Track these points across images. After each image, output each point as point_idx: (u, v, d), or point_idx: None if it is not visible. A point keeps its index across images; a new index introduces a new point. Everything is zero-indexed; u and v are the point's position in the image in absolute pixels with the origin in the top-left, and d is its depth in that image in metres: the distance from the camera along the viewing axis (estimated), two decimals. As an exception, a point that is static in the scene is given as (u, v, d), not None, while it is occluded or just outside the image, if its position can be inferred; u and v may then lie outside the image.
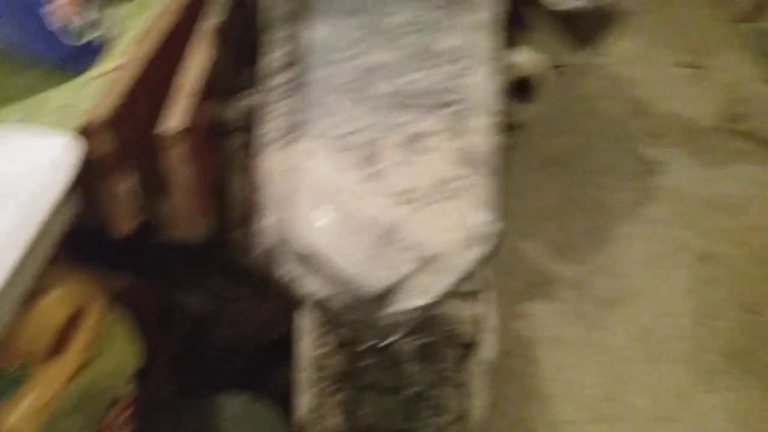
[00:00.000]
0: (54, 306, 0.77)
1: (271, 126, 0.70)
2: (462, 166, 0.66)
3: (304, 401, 0.91)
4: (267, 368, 1.22)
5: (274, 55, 0.75)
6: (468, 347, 1.02)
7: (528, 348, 1.55)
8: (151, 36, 0.93)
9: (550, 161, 1.99)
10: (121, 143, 0.85)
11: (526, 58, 0.85)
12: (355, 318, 0.63)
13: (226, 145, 1.21)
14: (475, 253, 0.65)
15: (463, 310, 1.01)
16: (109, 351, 0.85)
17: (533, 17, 0.93)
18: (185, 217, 0.98)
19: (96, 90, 0.84)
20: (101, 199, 0.90)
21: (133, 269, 1.08)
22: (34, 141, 0.73)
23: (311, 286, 0.63)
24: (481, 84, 0.72)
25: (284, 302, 1.45)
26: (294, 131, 0.68)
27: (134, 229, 0.94)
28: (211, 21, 0.84)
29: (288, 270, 0.64)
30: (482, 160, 0.68)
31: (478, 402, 1.01)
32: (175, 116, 0.88)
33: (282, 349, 1.24)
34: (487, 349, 1.03)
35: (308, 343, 0.99)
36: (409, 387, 0.84)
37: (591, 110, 2.18)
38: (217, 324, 1.30)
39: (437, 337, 0.89)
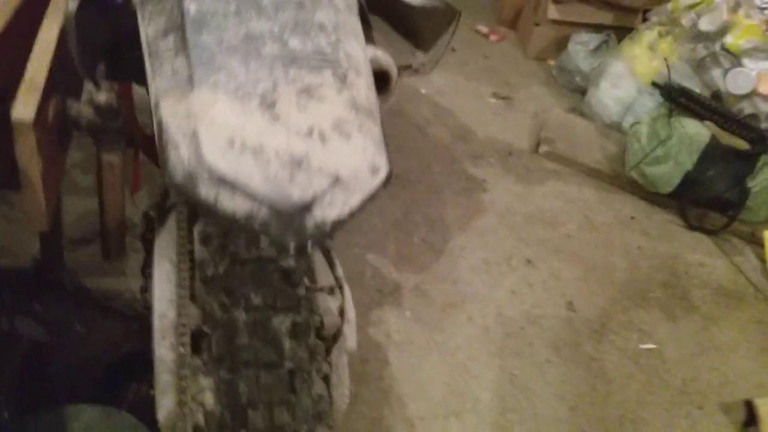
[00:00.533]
0: None
1: (163, 81, 0.70)
2: (353, 112, 0.72)
3: (168, 401, 0.87)
4: (116, 386, 1.15)
5: (154, 27, 0.75)
6: (332, 338, 1.04)
7: (381, 352, 1.60)
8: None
9: (392, 181, 2.10)
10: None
11: (381, 54, 0.92)
12: (275, 231, 0.65)
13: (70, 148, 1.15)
14: (379, 178, 0.71)
15: (328, 302, 1.03)
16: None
17: (377, 19, 1.00)
18: (32, 212, 0.92)
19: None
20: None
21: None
22: None
23: (232, 205, 0.65)
24: (355, 53, 0.78)
25: (129, 320, 1.38)
26: (189, 84, 0.69)
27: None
28: (61, 13, 0.81)
29: (207, 194, 0.65)
30: (369, 109, 0.74)
31: (342, 390, 1.04)
32: (22, 107, 0.84)
33: (134, 364, 1.18)
34: (349, 340, 1.06)
35: (167, 344, 0.96)
36: (286, 362, 0.85)
37: (421, 135, 2.35)
38: (57, 348, 1.21)
39: (308, 317, 0.91)
